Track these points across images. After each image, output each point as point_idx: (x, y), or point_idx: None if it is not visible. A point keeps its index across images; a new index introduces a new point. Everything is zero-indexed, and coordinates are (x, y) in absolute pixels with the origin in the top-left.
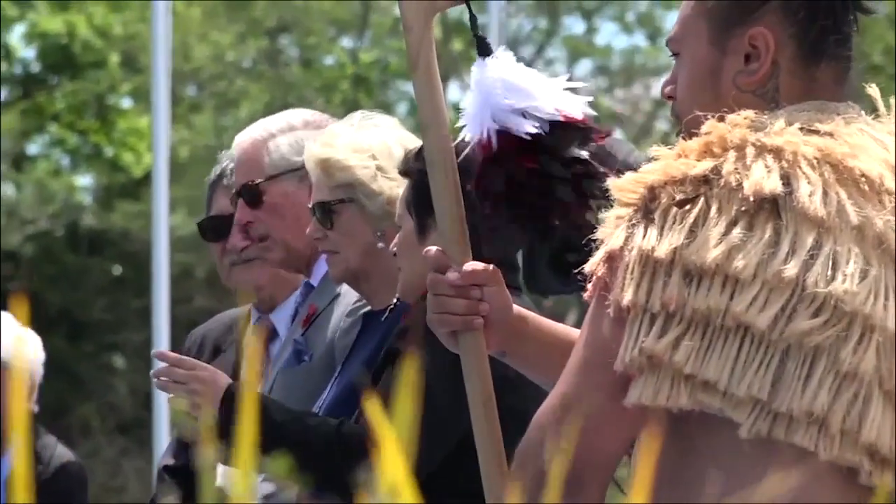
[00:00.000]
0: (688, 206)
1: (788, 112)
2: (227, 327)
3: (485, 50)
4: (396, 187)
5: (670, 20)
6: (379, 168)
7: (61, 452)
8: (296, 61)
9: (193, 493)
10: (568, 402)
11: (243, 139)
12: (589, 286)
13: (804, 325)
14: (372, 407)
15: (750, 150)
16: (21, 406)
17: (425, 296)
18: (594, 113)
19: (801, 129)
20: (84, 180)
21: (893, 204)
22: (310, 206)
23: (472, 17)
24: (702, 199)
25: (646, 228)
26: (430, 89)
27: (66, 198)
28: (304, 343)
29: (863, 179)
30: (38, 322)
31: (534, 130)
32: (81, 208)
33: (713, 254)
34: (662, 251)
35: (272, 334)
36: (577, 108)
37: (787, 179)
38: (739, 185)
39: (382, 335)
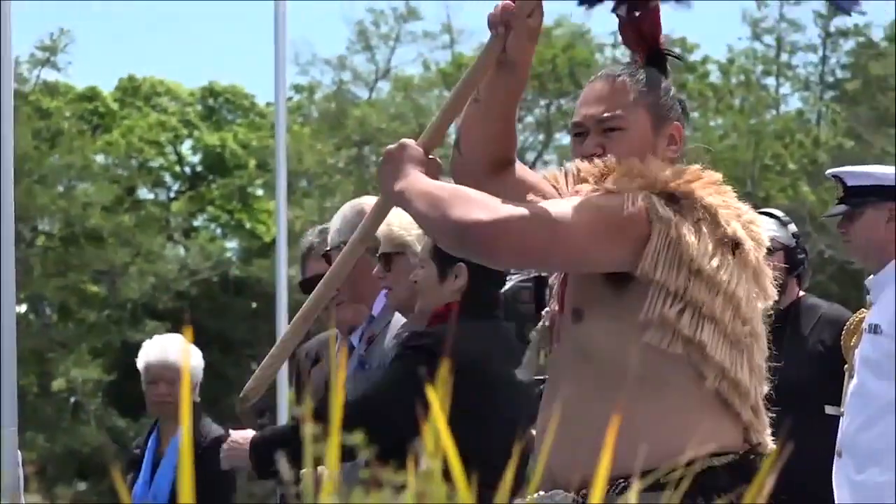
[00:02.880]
0: None
1: None
2: (322, 343)
3: None
4: None
5: None
6: (419, 237)
7: (215, 429)
8: (374, 164)
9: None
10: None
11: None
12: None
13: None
14: (430, 390)
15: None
16: (187, 397)
17: (434, 321)
18: None
19: None
20: (231, 244)
21: None
22: (377, 254)
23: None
24: None
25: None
26: None
27: (219, 256)
28: (366, 357)
29: None
30: (200, 340)
31: None
32: (230, 263)
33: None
34: None
35: (351, 349)
36: None
37: None
38: None
39: None
